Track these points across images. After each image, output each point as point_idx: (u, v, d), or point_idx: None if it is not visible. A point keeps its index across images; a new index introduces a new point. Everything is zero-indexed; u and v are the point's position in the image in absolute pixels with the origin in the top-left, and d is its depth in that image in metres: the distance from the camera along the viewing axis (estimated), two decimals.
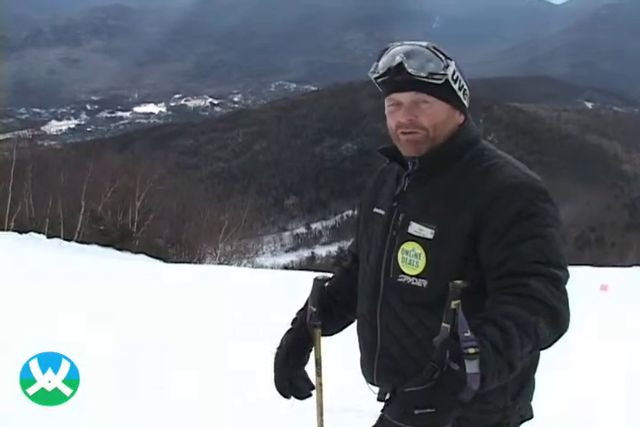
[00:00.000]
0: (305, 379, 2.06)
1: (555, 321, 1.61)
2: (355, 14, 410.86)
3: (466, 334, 1.50)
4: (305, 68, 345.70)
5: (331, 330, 2.14)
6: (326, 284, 2.12)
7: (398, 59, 1.78)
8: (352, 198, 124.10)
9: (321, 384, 2.06)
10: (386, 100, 1.87)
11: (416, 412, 1.50)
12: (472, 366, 1.47)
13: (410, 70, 1.77)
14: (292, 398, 2.08)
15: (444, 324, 1.56)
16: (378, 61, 1.86)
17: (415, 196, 1.87)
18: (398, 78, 1.79)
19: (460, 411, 1.53)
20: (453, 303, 1.56)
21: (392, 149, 1.94)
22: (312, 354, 2.10)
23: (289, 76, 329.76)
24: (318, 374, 2.06)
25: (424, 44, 1.83)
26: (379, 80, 1.86)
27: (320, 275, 2.12)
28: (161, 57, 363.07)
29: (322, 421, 2.09)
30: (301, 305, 2.15)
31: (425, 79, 1.78)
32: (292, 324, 2.14)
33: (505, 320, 1.55)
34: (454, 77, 1.82)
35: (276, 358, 2.08)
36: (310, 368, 2.07)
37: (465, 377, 1.47)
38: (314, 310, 2.05)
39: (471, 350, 1.47)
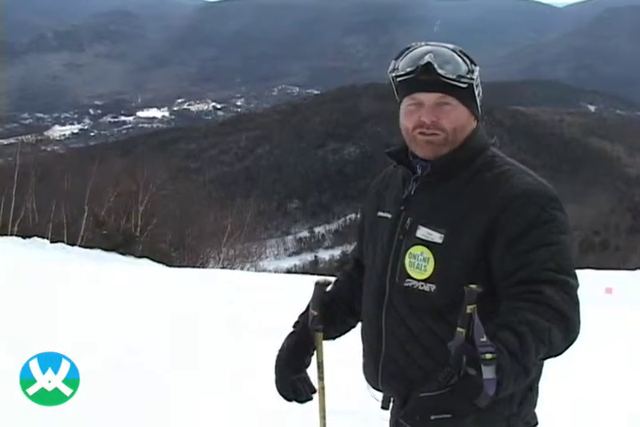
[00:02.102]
0: (306, 382, 2.04)
1: (566, 328, 1.61)
2: (356, 19, 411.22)
3: (482, 340, 1.48)
4: (307, 72, 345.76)
5: (332, 334, 2.13)
6: (328, 288, 2.10)
7: (427, 58, 1.76)
8: (355, 202, 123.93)
9: (323, 388, 2.05)
10: (406, 99, 1.84)
11: (432, 417, 1.49)
12: (489, 372, 1.45)
13: (440, 71, 1.75)
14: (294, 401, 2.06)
15: (459, 328, 1.54)
16: (397, 60, 1.83)
17: (424, 200, 1.85)
18: (425, 78, 1.76)
19: (475, 417, 1.52)
20: (469, 308, 1.54)
21: (399, 152, 1.93)
22: (314, 358, 2.07)
23: (291, 80, 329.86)
24: (320, 377, 2.05)
25: (450, 46, 1.83)
26: (401, 79, 1.82)
27: (321, 279, 2.10)
28: (164, 62, 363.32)
29: (324, 424, 2.09)
30: (304, 309, 2.13)
31: (452, 81, 1.77)
32: (294, 327, 2.12)
33: (521, 326, 1.55)
34: (477, 83, 1.82)
35: (277, 361, 2.06)
36: (312, 372, 2.05)
37: (482, 383, 1.45)
38: (315, 314, 2.03)
39: (488, 356, 1.46)
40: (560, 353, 1.65)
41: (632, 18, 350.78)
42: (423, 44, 1.84)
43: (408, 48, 1.85)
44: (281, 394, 2.05)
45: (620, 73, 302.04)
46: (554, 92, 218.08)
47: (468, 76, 1.78)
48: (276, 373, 2.05)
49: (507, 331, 1.54)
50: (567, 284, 1.65)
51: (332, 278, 2.21)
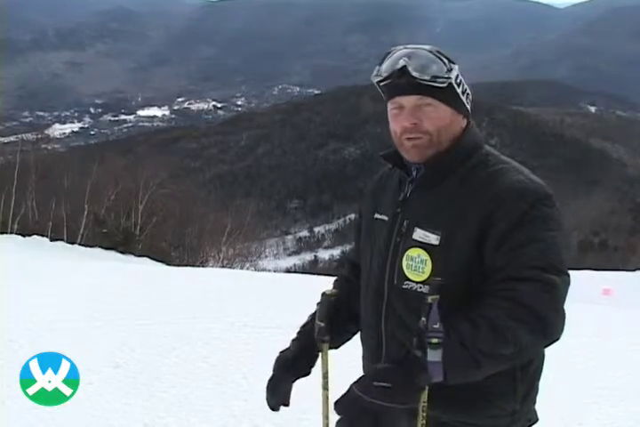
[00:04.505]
0: (286, 393, 2.04)
1: (540, 328, 1.60)
2: (358, 18, 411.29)
3: (434, 326, 1.54)
4: (308, 71, 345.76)
5: (336, 343, 2.12)
6: (333, 298, 2.06)
7: (402, 62, 1.78)
8: (355, 202, 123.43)
9: (327, 397, 2.04)
10: (389, 103, 1.87)
11: (375, 384, 1.54)
12: (433, 355, 1.52)
13: (413, 73, 1.76)
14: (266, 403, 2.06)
15: (422, 317, 1.59)
16: (380, 65, 1.85)
17: (419, 202, 1.86)
18: (401, 81, 1.79)
19: (418, 396, 1.58)
20: (430, 298, 1.59)
21: (394, 154, 1.93)
22: (318, 367, 2.07)
23: (292, 80, 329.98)
24: (325, 387, 2.05)
25: (427, 47, 1.83)
26: (382, 84, 1.85)
27: (328, 289, 2.08)
28: (164, 60, 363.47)
29: None
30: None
31: (428, 82, 1.77)
32: (299, 339, 2.11)
33: (480, 320, 1.58)
34: (457, 81, 1.82)
35: (278, 363, 2.06)
36: (317, 381, 2.06)
37: (426, 364, 1.52)
38: (322, 325, 2.01)
39: (434, 340, 1.52)
40: (535, 351, 1.68)
41: (633, 18, 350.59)
42: (402, 47, 1.86)
43: (389, 52, 1.86)
44: (268, 392, 2.04)
45: (621, 74, 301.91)
46: (554, 93, 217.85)
47: (446, 75, 1.78)
48: (274, 375, 2.05)
49: (464, 322, 1.58)
50: (549, 282, 1.63)
51: (336, 289, 2.14)
